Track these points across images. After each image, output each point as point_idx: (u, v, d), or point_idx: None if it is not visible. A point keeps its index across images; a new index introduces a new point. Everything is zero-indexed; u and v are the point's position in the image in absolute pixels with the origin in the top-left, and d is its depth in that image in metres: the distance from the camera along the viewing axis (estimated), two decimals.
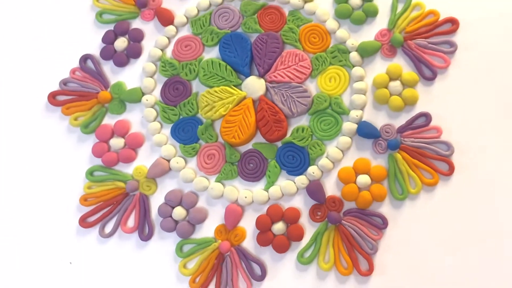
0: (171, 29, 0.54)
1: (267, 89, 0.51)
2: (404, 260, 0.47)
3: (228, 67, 0.52)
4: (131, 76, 0.55)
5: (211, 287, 0.50)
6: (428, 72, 0.50)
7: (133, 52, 0.55)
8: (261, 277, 0.49)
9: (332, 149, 0.50)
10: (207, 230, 0.51)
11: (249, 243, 0.50)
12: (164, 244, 0.51)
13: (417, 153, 0.49)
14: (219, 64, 0.52)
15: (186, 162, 0.52)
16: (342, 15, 0.52)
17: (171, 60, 0.54)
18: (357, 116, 0.50)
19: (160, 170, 0.52)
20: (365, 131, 0.49)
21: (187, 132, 0.52)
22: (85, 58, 0.56)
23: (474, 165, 0.48)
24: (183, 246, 0.50)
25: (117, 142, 0.53)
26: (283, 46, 0.52)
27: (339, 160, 0.50)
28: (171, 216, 0.51)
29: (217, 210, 0.51)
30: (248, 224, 0.50)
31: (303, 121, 0.51)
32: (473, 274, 0.46)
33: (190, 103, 0.53)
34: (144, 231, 0.51)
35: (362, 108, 0.50)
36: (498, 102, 0.49)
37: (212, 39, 0.53)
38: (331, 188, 0.50)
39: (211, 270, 0.49)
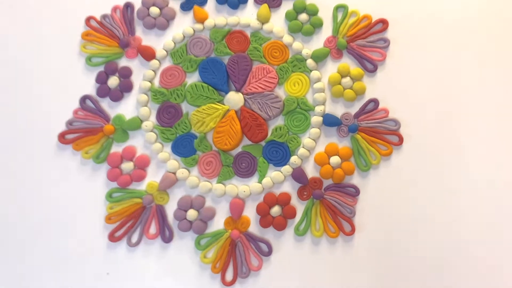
0: (154, 62, 0.63)
1: (245, 100, 0.62)
2: (377, 217, 0.59)
3: (210, 87, 0.62)
4: (127, 108, 0.62)
5: (230, 269, 0.60)
6: (370, 66, 0.62)
7: (126, 87, 0.62)
8: (269, 253, 0.59)
9: (306, 140, 0.61)
10: (217, 224, 0.61)
11: (254, 228, 0.60)
12: (184, 242, 0.60)
13: (372, 132, 0.61)
14: (202, 86, 0.62)
15: (189, 171, 0.61)
16: (295, 30, 0.63)
17: (160, 89, 0.62)
18: (321, 110, 0.61)
19: (169, 182, 0.61)
20: (329, 121, 0.61)
21: (185, 146, 0.62)
22: (84, 99, 0.62)
23: (417, 134, 0.60)
24: (201, 241, 0.60)
25: (127, 166, 0.61)
26: (251, 63, 0.62)
27: (313, 147, 0.61)
28: (185, 218, 0.60)
29: (222, 206, 0.61)
30: (250, 212, 0.60)
31: (279, 121, 0.61)
32: (429, 219, 0.59)
33: (183, 122, 0.62)
34: (165, 235, 0.60)
35: (323, 103, 0.61)
36: (428, 81, 0.60)
37: (192, 66, 0.62)
38: (310, 171, 0.61)
39: (227, 255, 0.60)
